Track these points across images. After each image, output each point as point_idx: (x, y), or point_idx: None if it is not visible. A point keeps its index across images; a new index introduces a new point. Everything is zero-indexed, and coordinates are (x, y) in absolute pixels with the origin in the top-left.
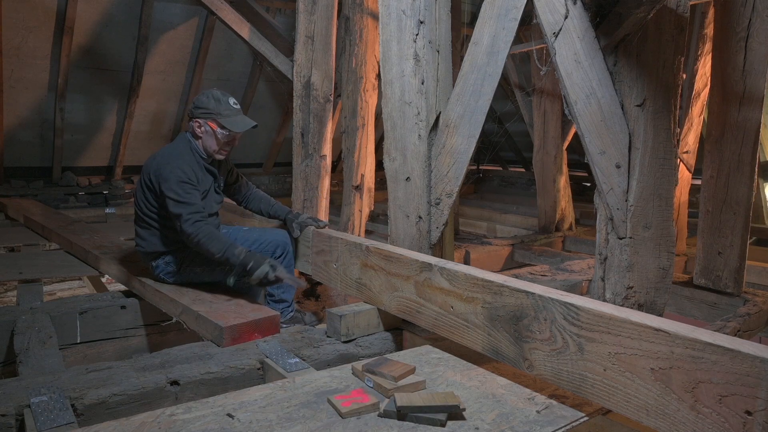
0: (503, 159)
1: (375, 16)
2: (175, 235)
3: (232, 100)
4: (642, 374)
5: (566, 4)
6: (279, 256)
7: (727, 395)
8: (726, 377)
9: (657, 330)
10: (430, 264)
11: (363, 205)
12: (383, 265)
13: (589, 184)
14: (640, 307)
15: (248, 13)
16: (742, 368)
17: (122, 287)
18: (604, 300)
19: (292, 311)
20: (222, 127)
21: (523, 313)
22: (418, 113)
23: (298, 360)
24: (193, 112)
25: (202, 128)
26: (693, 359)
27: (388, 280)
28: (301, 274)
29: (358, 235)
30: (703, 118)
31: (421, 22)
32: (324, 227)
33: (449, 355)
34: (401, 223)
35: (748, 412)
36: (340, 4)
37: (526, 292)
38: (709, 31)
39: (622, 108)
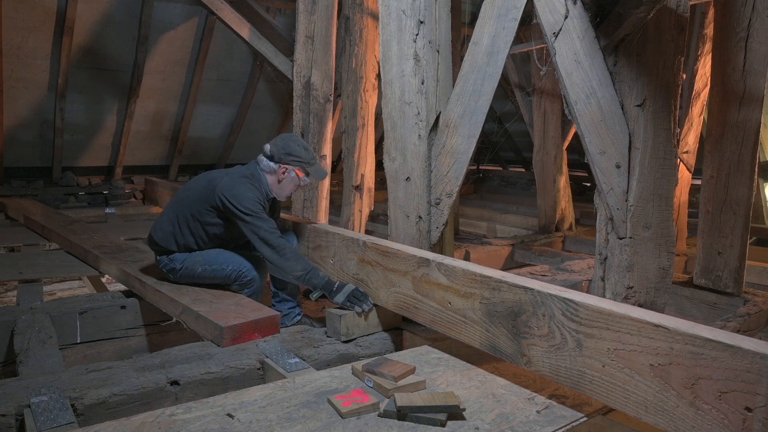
0: (503, 159)
1: (375, 16)
2: (190, 242)
3: (310, 149)
4: (641, 370)
5: (566, 4)
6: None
7: (727, 391)
8: (726, 373)
9: (656, 326)
10: (427, 259)
11: (363, 205)
12: (380, 261)
13: (589, 184)
14: (640, 307)
15: (248, 13)
16: (742, 364)
17: (122, 287)
18: None
19: (298, 315)
20: (307, 175)
21: (521, 308)
22: (418, 113)
23: (298, 360)
24: (282, 158)
25: (286, 174)
26: (693, 355)
27: (385, 275)
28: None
29: None
30: (703, 118)
31: (421, 22)
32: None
33: (449, 355)
34: (401, 223)
35: (748, 409)
36: (340, 4)
37: (525, 288)
38: (709, 31)
39: (622, 108)
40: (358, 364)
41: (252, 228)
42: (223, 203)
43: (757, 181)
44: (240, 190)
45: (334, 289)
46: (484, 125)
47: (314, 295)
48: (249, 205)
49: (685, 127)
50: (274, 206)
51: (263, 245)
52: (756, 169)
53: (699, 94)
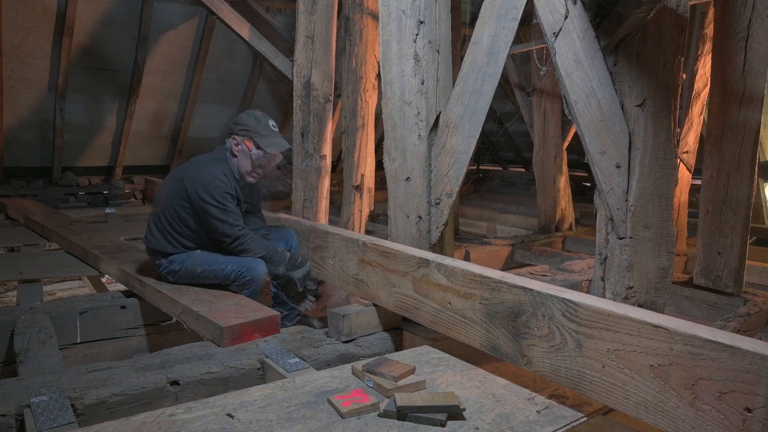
0: (503, 159)
1: (375, 16)
2: (183, 241)
3: (271, 122)
4: (641, 371)
5: (566, 4)
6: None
7: (727, 392)
8: (726, 374)
9: (656, 326)
10: (427, 260)
11: (363, 205)
12: (380, 261)
13: (589, 184)
14: (640, 307)
15: (248, 13)
16: (741, 365)
17: (122, 287)
18: None
19: (298, 315)
20: (258, 147)
21: (521, 309)
22: (418, 113)
23: (298, 360)
24: (232, 129)
25: (239, 146)
26: (692, 356)
27: (386, 276)
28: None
29: None
30: (703, 118)
31: (421, 22)
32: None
33: (449, 355)
34: (401, 223)
35: (748, 409)
36: (340, 4)
37: (525, 288)
38: (709, 31)
39: (622, 108)
40: (358, 364)
41: (214, 219)
42: (190, 194)
43: (757, 181)
44: (207, 178)
45: (296, 264)
46: (484, 125)
47: (280, 269)
48: (214, 193)
49: (685, 127)
50: (252, 190)
51: (224, 235)
52: (756, 169)
53: (699, 94)
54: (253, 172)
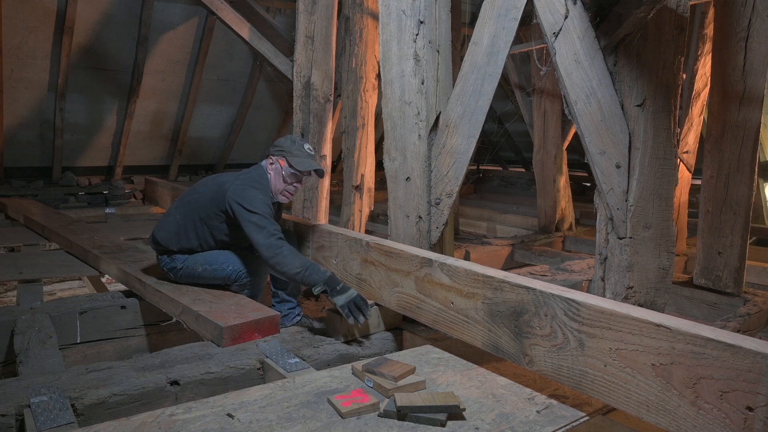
0: (503, 159)
1: (375, 16)
2: (193, 247)
3: (306, 146)
4: (643, 370)
5: (566, 4)
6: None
7: (729, 391)
8: (727, 373)
9: (658, 326)
10: (430, 260)
11: (363, 205)
12: (383, 261)
13: (589, 184)
14: (640, 307)
15: (248, 13)
16: (743, 364)
17: (122, 287)
18: None
19: (298, 315)
20: (289, 165)
21: (523, 308)
22: (418, 113)
23: (298, 360)
24: (270, 150)
25: (274, 165)
26: (694, 355)
27: (388, 275)
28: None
29: None
30: (703, 118)
31: (421, 22)
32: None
33: (449, 354)
34: (401, 223)
35: (750, 408)
36: (340, 4)
37: (527, 288)
38: (709, 31)
39: (622, 108)
40: (358, 364)
41: (254, 227)
42: (232, 207)
43: (757, 181)
44: (250, 192)
45: (338, 288)
46: (484, 125)
47: (317, 289)
48: (257, 205)
49: (685, 127)
50: (278, 211)
51: (261, 244)
52: (756, 169)
53: (699, 94)
54: (285, 191)
